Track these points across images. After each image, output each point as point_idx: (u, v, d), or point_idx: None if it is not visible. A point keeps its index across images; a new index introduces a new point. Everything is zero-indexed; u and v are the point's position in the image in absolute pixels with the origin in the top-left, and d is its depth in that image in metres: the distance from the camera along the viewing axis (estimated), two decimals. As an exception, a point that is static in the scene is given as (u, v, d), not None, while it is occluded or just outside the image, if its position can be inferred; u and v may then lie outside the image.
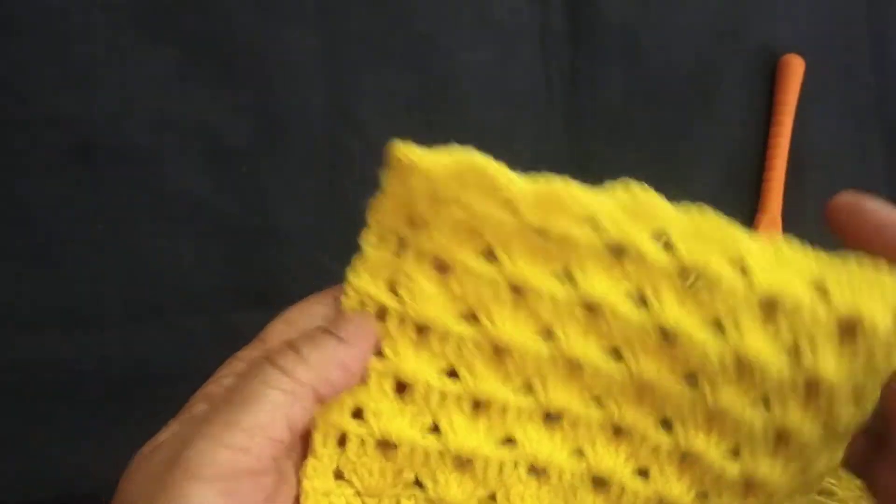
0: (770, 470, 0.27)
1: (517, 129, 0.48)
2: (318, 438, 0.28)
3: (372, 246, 0.28)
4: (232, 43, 0.47)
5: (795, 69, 0.47)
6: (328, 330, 0.27)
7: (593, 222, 0.26)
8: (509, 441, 0.29)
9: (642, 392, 0.28)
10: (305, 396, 0.25)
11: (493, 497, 0.29)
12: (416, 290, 0.27)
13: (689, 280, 0.26)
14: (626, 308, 0.27)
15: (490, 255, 0.27)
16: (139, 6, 0.46)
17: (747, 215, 0.48)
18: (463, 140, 0.48)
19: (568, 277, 0.27)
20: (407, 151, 0.25)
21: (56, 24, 0.46)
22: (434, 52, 0.48)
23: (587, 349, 0.27)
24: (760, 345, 0.26)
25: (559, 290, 0.27)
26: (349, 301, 0.28)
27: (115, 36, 0.46)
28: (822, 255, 0.26)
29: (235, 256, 0.46)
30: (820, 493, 0.36)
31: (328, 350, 0.26)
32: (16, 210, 0.45)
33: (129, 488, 0.25)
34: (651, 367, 0.27)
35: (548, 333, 0.28)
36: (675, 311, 0.26)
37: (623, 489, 0.29)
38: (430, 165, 0.25)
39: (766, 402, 0.27)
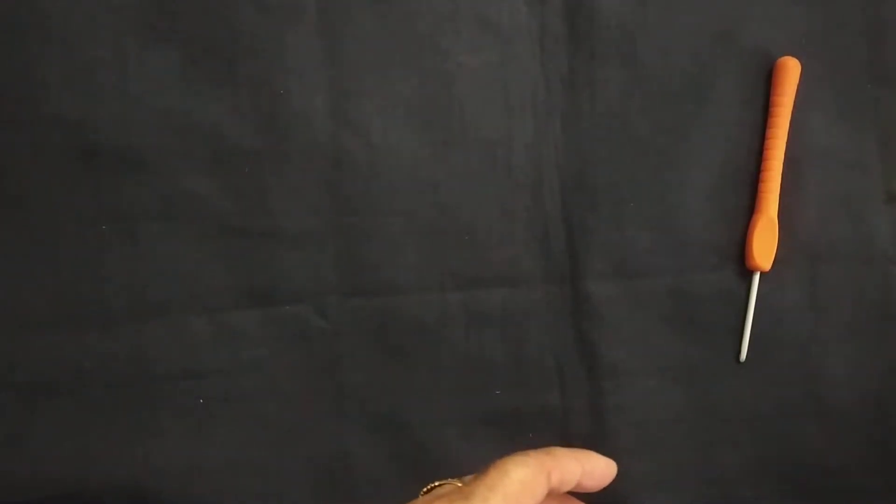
0: None
1: (516, 130, 0.48)
2: None
3: None
4: (234, 44, 0.47)
5: (791, 71, 0.47)
6: None
7: None
8: None
9: None
10: None
11: None
12: None
13: None
14: None
15: None
16: (142, 8, 0.47)
17: (744, 216, 0.48)
18: (462, 141, 0.48)
19: None
20: None
21: (59, 26, 0.46)
22: (434, 54, 0.48)
23: None
24: None
25: None
26: None
27: (118, 38, 0.46)
28: None
29: (237, 256, 0.47)
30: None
31: None
32: (20, 211, 0.46)
33: None
34: None
35: None
36: None
37: None
38: None
39: None
